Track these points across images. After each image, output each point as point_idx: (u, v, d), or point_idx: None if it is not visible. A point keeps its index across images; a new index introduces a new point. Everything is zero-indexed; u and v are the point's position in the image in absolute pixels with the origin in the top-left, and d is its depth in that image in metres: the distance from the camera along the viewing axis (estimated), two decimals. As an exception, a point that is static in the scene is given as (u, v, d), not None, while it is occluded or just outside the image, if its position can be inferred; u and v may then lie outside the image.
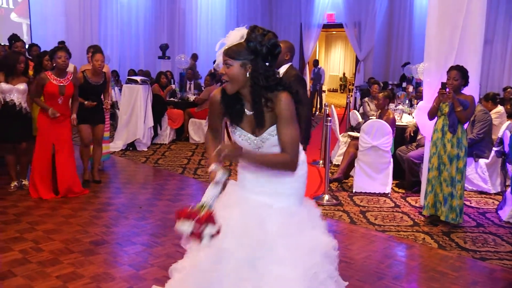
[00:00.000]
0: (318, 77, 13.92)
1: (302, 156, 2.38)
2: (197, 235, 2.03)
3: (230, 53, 2.14)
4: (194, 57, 13.02)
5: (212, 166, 2.22)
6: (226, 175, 2.20)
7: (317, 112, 13.95)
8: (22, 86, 5.20)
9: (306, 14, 15.77)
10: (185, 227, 2.04)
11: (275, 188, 2.32)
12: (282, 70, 4.03)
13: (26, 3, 10.75)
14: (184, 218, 2.04)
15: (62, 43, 7.01)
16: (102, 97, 5.77)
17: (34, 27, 10.90)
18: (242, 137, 2.28)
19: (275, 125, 2.22)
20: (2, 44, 6.44)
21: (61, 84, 5.05)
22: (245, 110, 2.25)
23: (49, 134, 5.12)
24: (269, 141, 2.25)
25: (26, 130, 5.32)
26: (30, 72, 5.73)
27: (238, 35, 2.16)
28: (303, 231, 2.30)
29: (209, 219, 2.04)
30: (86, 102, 5.45)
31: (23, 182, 5.47)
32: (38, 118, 5.15)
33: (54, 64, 5.11)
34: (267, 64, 2.16)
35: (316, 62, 14.56)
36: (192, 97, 9.43)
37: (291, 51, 4.08)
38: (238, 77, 2.15)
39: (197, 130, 8.78)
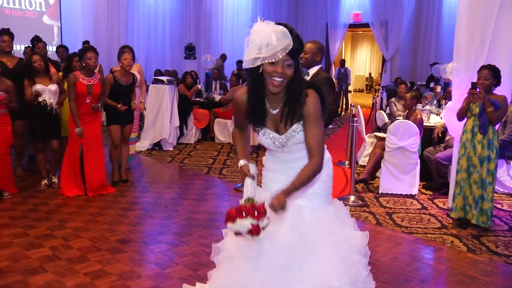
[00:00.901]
0: (344, 77, 13.82)
1: (328, 155, 2.42)
2: (255, 230, 2.03)
3: (291, 53, 2.08)
4: (223, 57, 13.10)
5: (242, 162, 2.38)
6: (255, 167, 2.38)
7: (343, 113, 13.85)
8: (53, 87, 5.32)
9: (332, 14, 15.68)
10: (244, 225, 2.03)
11: (303, 189, 2.30)
12: (312, 71, 4.02)
13: (58, 6, 11.00)
14: (240, 217, 2.03)
15: (86, 42, 7.13)
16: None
17: (64, 29, 11.15)
18: (266, 135, 2.29)
19: (299, 123, 2.23)
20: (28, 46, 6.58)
21: (90, 83, 5.15)
22: (270, 109, 2.25)
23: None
24: (294, 139, 2.26)
25: (56, 130, 5.45)
26: (60, 74, 5.85)
27: (285, 33, 2.06)
28: (335, 229, 2.34)
29: (263, 210, 2.07)
30: (119, 106, 5.49)
31: (53, 180, 5.59)
32: (70, 119, 5.25)
33: (83, 64, 5.21)
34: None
35: (342, 62, 14.46)
36: (217, 97, 9.48)
37: (321, 51, 4.05)
38: (290, 77, 2.14)
39: (223, 130, 8.82)
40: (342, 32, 15.64)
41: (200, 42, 13.67)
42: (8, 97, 5.02)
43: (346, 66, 14.38)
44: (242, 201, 2.14)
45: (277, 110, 2.24)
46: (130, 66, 5.58)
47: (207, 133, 9.00)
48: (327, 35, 15.82)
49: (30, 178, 5.80)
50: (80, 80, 5.11)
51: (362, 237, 2.44)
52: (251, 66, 2.10)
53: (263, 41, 2.03)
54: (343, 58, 17.40)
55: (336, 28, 15.62)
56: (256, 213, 2.03)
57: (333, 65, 15.52)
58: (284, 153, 2.35)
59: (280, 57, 2.04)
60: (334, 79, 14.43)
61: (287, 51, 2.05)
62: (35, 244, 3.93)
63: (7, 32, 6.02)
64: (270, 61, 2.05)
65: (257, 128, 2.30)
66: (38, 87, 5.25)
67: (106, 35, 11.78)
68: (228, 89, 10.01)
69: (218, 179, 6.31)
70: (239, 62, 13.34)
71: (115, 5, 11.97)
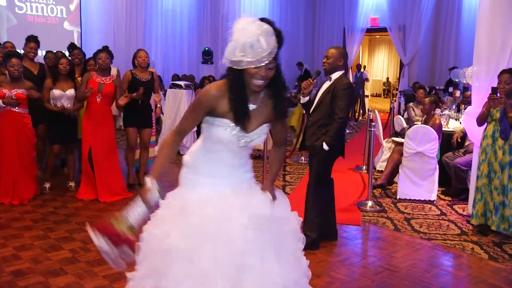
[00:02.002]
0: (360, 81, 13.76)
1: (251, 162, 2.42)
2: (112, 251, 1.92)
3: (275, 56, 2.01)
4: None
5: (151, 182, 2.02)
6: (159, 198, 2.03)
7: (360, 117, 13.79)
8: (71, 92, 5.41)
9: (349, 19, 15.65)
10: (102, 244, 1.91)
11: (248, 178, 2.31)
12: (335, 76, 4.01)
13: (78, 12, 11.19)
14: (112, 240, 1.91)
15: (106, 47, 7.26)
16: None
17: (84, 34, 11.34)
18: (230, 130, 2.10)
19: (266, 124, 2.21)
20: (54, 51, 6.71)
21: (102, 82, 5.20)
22: (250, 104, 2.13)
23: (88, 137, 5.21)
24: (256, 140, 2.18)
25: (71, 133, 5.52)
26: (79, 79, 5.95)
27: (269, 33, 1.96)
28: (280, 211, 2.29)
29: (129, 242, 1.93)
30: (134, 94, 5.41)
31: (70, 184, 5.67)
32: (82, 122, 5.31)
33: (97, 65, 5.31)
34: None
35: (358, 67, 14.40)
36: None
37: (344, 56, 4.06)
38: (271, 78, 2.07)
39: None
40: (360, 37, 15.59)
41: (218, 47, 13.76)
42: (30, 95, 5.13)
43: (362, 70, 14.33)
44: (123, 225, 1.93)
45: (255, 106, 2.15)
46: (146, 63, 5.61)
47: (224, 138, 9.01)
48: (344, 39, 15.78)
49: (50, 181, 5.87)
50: (93, 78, 5.19)
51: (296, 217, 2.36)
52: (234, 67, 2.00)
53: (248, 42, 1.93)
54: (359, 63, 17.34)
55: (353, 32, 15.58)
56: (123, 244, 1.92)
57: (350, 70, 15.47)
58: (237, 155, 2.20)
59: (266, 62, 1.96)
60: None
61: (273, 56, 1.98)
62: (56, 246, 3.99)
63: (34, 39, 6.14)
64: (256, 66, 1.97)
65: (222, 124, 2.10)
66: (56, 92, 5.34)
67: (124, 40, 11.94)
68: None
69: (235, 183, 6.31)
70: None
71: (133, 11, 12.14)
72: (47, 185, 5.58)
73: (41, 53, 8.24)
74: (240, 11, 14.61)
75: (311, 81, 4.12)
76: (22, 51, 6.26)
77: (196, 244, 2.01)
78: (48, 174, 5.63)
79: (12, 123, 5.01)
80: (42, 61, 6.37)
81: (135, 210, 1.99)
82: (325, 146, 3.89)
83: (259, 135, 2.18)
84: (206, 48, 12.85)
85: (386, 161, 6.35)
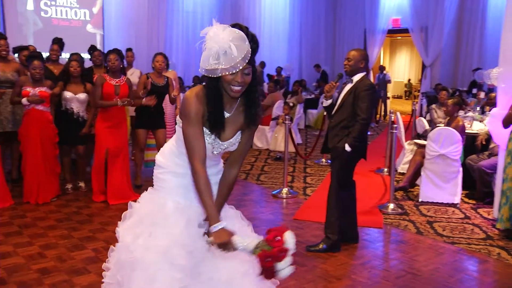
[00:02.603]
0: (383, 82, 13.64)
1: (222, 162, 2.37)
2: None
3: (250, 61, 1.98)
4: (262, 64, 13.18)
5: (221, 225, 1.96)
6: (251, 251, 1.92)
7: (381, 119, 13.67)
8: (82, 96, 5.47)
9: (370, 20, 15.50)
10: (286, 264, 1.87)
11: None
12: (356, 78, 4.00)
13: (101, 15, 11.37)
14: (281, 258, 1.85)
15: (129, 50, 7.39)
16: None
17: (106, 36, 11.51)
18: (207, 139, 2.10)
19: (240, 132, 2.17)
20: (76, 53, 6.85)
21: (117, 84, 5.23)
22: (225, 112, 2.11)
23: (104, 139, 5.22)
24: (232, 148, 2.18)
25: (81, 136, 5.54)
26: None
27: (244, 39, 1.94)
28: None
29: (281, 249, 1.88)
30: (143, 100, 5.41)
31: (80, 184, 5.74)
32: (96, 124, 5.33)
33: (108, 67, 5.33)
34: None
35: (381, 68, 14.28)
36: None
37: (365, 58, 4.05)
38: (248, 83, 2.04)
39: (260, 136, 8.85)
40: (381, 38, 15.43)
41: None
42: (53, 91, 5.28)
43: (385, 71, 14.20)
44: (254, 249, 1.89)
45: (230, 114, 2.12)
46: (162, 68, 5.63)
47: (244, 139, 9.03)
48: (365, 41, 15.65)
49: (72, 181, 5.96)
50: (108, 81, 5.20)
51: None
52: (210, 76, 1.98)
53: (221, 50, 1.90)
54: (381, 64, 17.18)
55: (374, 34, 15.43)
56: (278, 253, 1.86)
57: (371, 72, 15.34)
58: (210, 159, 2.17)
59: (241, 67, 1.94)
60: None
61: (247, 61, 1.95)
62: (79, 245, 4.05)
63: (58, 41, 6.27)
64: (230, 72, 1.94)
65: (210, 133, 2.09)
66: (67, 95, 5.43)
67: (146, 43, 12.07)
68: (266, 95, 10.04)
69: (255, 185, 6.32)
70: (279, 68, 13.39)
71: (154, 13, 12.27)
72: (69, 185, 5.67)
73: (65, 55, 8.42)
74: (261, 13, 14.62)
75: (334, 84, 4.12)
76: (48, 54, 6.40)
77: (156, 262, 2.05)
78: (68, 175, 5.71)
79: (37, 122, 5.11)
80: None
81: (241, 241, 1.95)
82: (348, 148, 3.87)
83: (233, 144, 2.17)
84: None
85: (408, 163, 6.28)
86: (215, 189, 2.20)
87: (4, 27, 9.88)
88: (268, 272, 1.86)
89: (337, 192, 4.02)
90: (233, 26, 1.98)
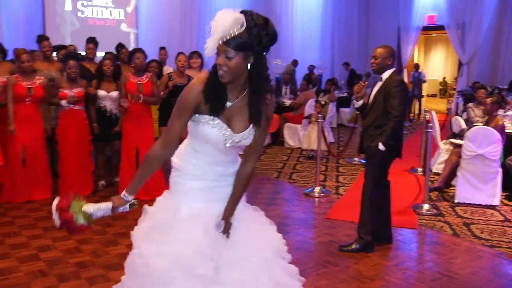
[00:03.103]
0: (418, 81, 13.38)
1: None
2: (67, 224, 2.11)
3: (233, 44, 1.88)
4: (294, 62, 13.12)
5: (125, 198, 2.18)
6: (126, 210, 2.18)
7: (415, 118, 13.42)
8: (115, 93, 5.55)
9: (404, 17, 15.20)
10: (56, 217, 2.11)
11: (227, 192, 2.17)
12: (385, 75, 3.94)
13: (135, 15, 11.55)
14: (59, 210, 2.10)
15: (163, 48, 7.49)
16: None
17: (140, 35, 11.70)
18: (218, 129, 2.02)
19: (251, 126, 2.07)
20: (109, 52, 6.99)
21: (139, 82, 5.29)
22: (227, 101, 2.04)
23: (132, 138, 5.30)
24: (246, 141, 2.08)
25: (114, 133, 5.60)
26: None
27: (235, 21, 1.87)
28: (254, 228, 2.22)
29: (72, 226, 2.11)
30: (162, 92, 5.47)
31: (116, 179, 5.82)
32: (123, 122, 5.40)
33: (133, 65, 5.41)
34: (265, 54, 1.98)
35: (416, 66, 14.01)
36: (287, 102, 9.49)
37: (393, 55, 3.98)
38: (238, 69, 1.94)
39: (293, 134, 8.82)
40: (415, 36, 15.11)
41: (271, 47, 13.78)
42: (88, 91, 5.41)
43: (420, 70, 13.92)
44: (77, 209, 2.12)
45: (233, 102, 2.04)
46: (184, 67, 5.62)
47: (277, 138, 9.04)
48: (399, 38, 15.35)
49: (106, 178, 6.07)
50: (130, 79, 5.28)
51: (279, 237, 2.25)
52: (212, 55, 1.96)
53: (212, 28, 1.91)
54: (416, 62, 16.86)
55: (408, 31, 15.12)
56: (71, 229, 2.12)
57: (405, 70, 15.05)
58: (225, 153, 2.11)
59: (213, 46, 1.89)
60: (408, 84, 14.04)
61: (224, 41, 1.87)
62: (113, 241, 4.13)
63: (92, 40, 6.44)
64: (209, 50, 1.91)
65: (209, 121, 2.01)
66: (101, 93, 5.54)
67: (178, 41, 12.18)
68: (298, 93, 10.00)
69: (287, 183, 6.30)
70: (311, 67, 13.25)
71: (187, 12, 12.38)
72: (102, 182, 5.78)
73: (100, 54, 8.60)
74: (293, 12, 14.54)
75: (363, 84, 4.06)
76: (84, 53, 6.56)
77: (169, 270, 2.01)
78: (102, 171, 5.82)
79: (74, 121, 5.26)
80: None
81: (100, 208, 2.16)
82: (381, 146, 3.81)
83: (247, 137, 2.07)
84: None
85: (443, 163, 6.14)
86: (229, 190, 2.15)
87: (44, 27, 10.18)
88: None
89: (371, 192, 3.96)
90: (242, 12, 1.92)
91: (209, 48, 1.92)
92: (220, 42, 1.89)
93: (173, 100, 5.65)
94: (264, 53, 1.97)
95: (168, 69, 7.16)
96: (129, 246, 3.92)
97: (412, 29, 15.06)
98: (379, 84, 3.97)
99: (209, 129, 2.01)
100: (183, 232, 2.04)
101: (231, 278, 2.07)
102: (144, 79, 5.34)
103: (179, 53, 5.75)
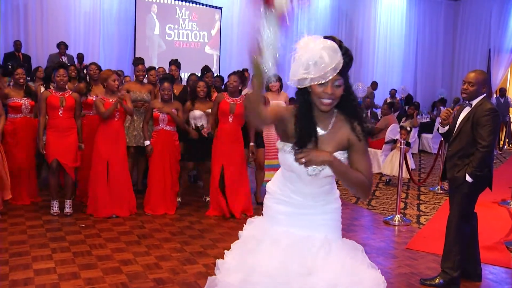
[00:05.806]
0: (504, 106, 12.61)
1: (338, 192, 2.20)
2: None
3: (341, 71, 1.90)
4: (374, 85, 12.88)
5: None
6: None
7: (505, 146, 12.57)
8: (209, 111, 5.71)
9: (496, 38, 14.40)
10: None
11: (315, 220, 2.10)
12: (475, 101, 3.70)
13: (218, 37, 11.97)
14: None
15: (246, 70, 7.64)
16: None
17: (222, 57, 12.08)
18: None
19: (343, 151, 2.03)
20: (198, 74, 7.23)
21: (233, 102, 5.40)
22: (319, 130, 2.03)
23: (222, 157, 5.40)
24: (328, 169, 1.99)
25: (207, 151, 5.66)
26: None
27: (335, 49, 1.89)
28: (346, 263, 2.03)
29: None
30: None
31: (207, 199, 5.93)
32: (213, 141, 5.50)
33: (229, 88, 5.53)
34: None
35: (502, 91, 13.20)
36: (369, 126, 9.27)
37: (488, 82, 3.73)
38: (339, 97, 1.96)
39: (372, 159, 8.56)
40: (508, 58, 14.24)
41: (351, 70, 13.62)
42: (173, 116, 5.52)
43: (507, 95, 13.08)
44: None
45: (326, 131, 2.03)
46: (234, 88, 5.50)
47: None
48: (489, 61, 14.53)
49: (187, 196, 6.24)
50: (225, 98, 5.43)
51: (377, 278, 2.04)
52: (298, 87, 1.95)
53: (311, 59, 1.86)
54: (505, 86, 15.86)
55: (500, 53, 14.29)
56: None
57: (494, 95, 14.21)
58: (310, 184, 2.06)
59: (331, 77, 1.87)
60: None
61: (338, 71, 1.87)
62: (191, 260, 4.19)
63: (174, 62, 6.73)
64: (319, 82, 1.88)
65: (294, 150, 1.99)
66: (197, 113, 5.70)
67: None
68: (379, 118, 9.74)
69: (366, 210, 6.11)
70: (393, 91, 12.83)
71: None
72: (179, 199, 5.91)
73: (184, 75, 8.97)
74: (375, 35, 14.30)
75: (451, 110, 3.85)
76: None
77: (234, 285, 2.05)
78: (182, 189, 5.97)
79: (164, 141, 5.50)
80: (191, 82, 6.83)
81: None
82: (469, 178, 3.58)
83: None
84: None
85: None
86: (320, 230, 2.08)
87: (134, 50, 10.83)
88: None
89: (457, 225, 3.71)
90: (326, 38, 1.94)
91: (315, 77, 1.88)
92: (335, 73, 1.88)
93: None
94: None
95: (282, 94, 7.24)
96: (207, 266, 4.01)
97: (505, 51, 14.23)
98: (467, 110, 3.74)
99: (289, 156, 2.01)
100: (260, 252, 2.07)
101: None
102: (239, 100, 5.46)
103: (231, 74, 5.73)
